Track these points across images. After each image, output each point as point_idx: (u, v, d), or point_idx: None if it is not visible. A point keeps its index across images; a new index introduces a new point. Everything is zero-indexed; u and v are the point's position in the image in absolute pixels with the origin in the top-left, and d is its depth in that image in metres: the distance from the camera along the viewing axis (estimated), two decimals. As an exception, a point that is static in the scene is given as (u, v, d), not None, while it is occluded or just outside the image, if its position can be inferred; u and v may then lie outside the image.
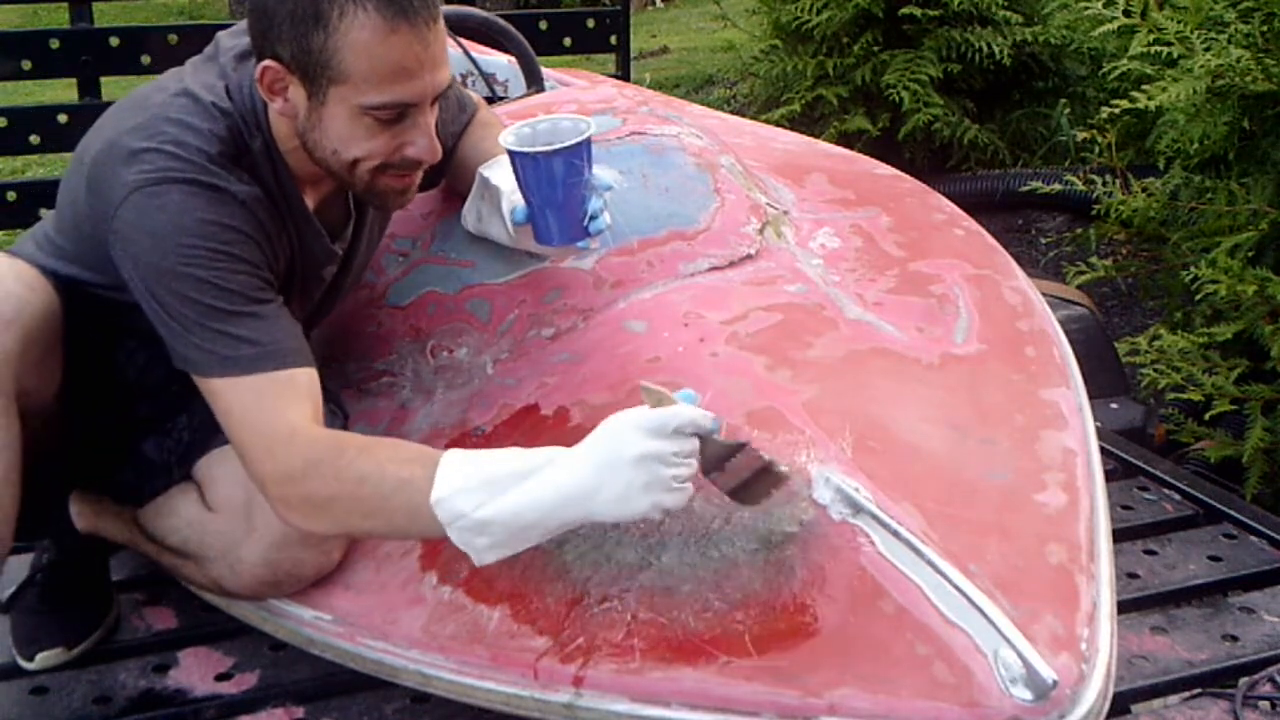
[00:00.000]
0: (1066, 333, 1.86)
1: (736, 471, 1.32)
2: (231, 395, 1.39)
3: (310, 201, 1.55)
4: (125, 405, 1.60)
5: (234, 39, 1.52)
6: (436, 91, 1.43)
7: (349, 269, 1.69)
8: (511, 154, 1.59)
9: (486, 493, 1.28)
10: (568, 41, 3.60)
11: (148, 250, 1.39)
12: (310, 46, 1.37)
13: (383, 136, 1.42)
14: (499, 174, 1.69)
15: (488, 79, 3.15)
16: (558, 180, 1.58)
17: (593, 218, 1.60)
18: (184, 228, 1.38)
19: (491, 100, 2.91)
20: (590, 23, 3.62)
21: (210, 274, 1.39)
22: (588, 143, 1.58)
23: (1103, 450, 1.89)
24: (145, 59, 2.95)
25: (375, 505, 1.33)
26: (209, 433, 1.58)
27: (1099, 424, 1.84)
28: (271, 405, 1.38)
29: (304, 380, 1.41)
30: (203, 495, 1.60)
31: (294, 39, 1.37)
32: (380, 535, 1.47)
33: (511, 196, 1.65)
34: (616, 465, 1.25)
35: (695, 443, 1.27)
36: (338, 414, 1.72)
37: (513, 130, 1.64)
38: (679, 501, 1.27)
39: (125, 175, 1.40)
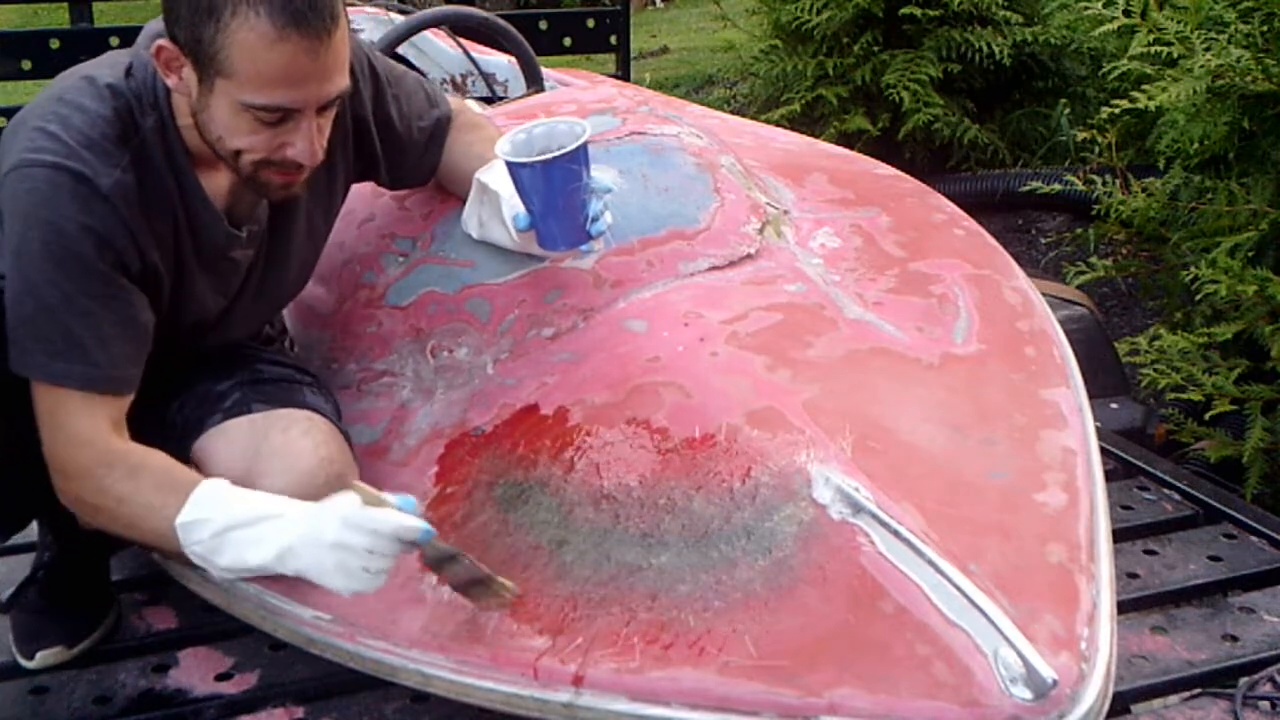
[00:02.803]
0: (1066, 333, 1.86)
1: (454, 577, 1.42)
2: (39, 394, 1.44)
3: (219, 182, 1.54)
4: None
5: (160, 23, 1.52)
6: (322, 101, 1.44)
7: (280, 255, 1.67)
8: (508, 165, 1.60)
9: (219, 528, 1.41)
10: (568, 41, 3.60)
11: (11, 233, 1.42)
12: (201, 36, 1.38)
13: (264, 134, 1.43)
14: (496, 178, 1.69)
15: (488, 79, 3.16)
16: (556, 187, 1.58)
17: (594, 220, 1.61)
18: (40, 219, 1.40)
19: (491, 100, 2.92)
20: (590, 23, 3.63)
21: (55, 274, 1.40)
22: (584, 147, 1.58)
23: (1103, 450, 1.89)
24: (145, 59, 2.95)
25: (131, 523, 1.45)
26: (204, 413, 1.62)
27: (1099, 424, 1.84)
28: (64, 413, 1.44)
29: (105, 401, 1.46)
30: (201, 474, 1.60)
31: (189, 25, 1.39)
32: (146, 545, 1.52)
33: (511, 201, 1.66)
34: (315, 544, 1.37)
35: (392, 545, 1.36)
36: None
37: (508, 138, 1.64)
38: (369, 587, 1.38)
39: (11, 152, 1.43)
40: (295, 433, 1.57)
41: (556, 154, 1.56)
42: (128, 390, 1.48)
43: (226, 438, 1.59)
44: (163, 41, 1.42)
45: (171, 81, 1.45)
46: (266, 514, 1.42)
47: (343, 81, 1.45)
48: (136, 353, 1.49)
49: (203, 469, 1.60)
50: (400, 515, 1.37)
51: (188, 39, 1.39)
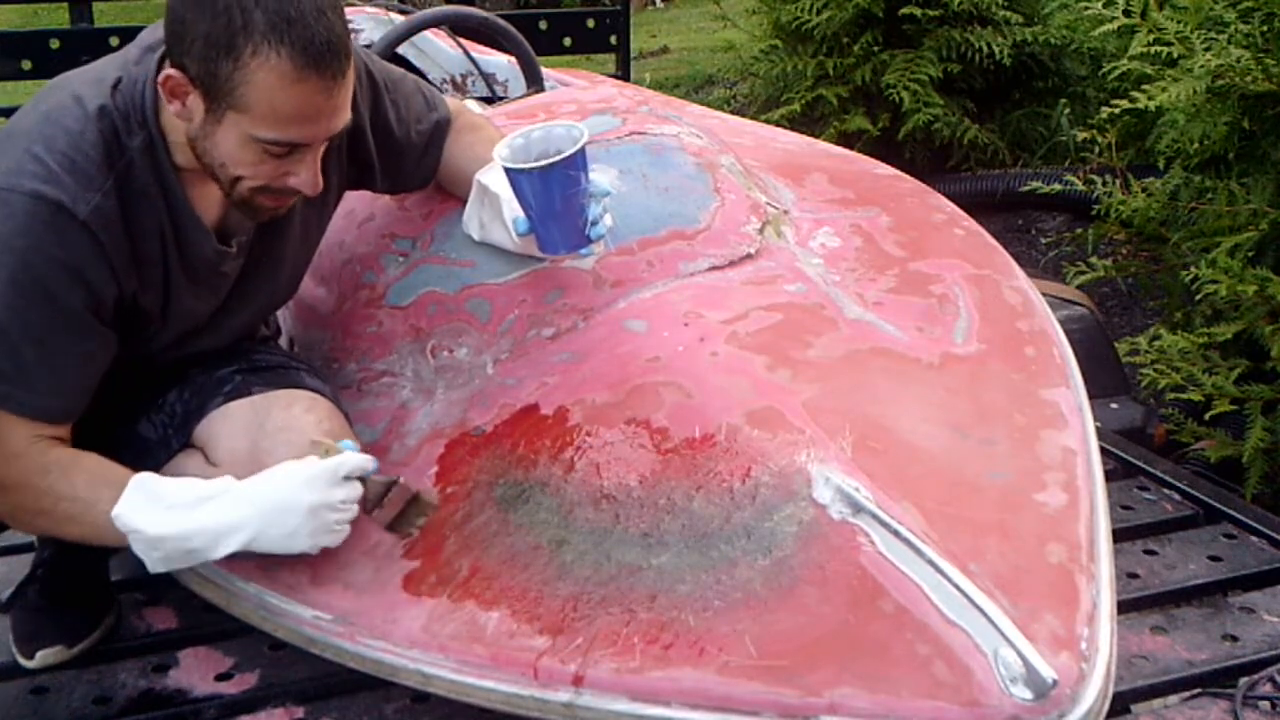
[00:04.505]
0: (1066, 333, 1.86)
1: (392, 505, 1.51)
2: None
3: (209, 197, 1.54)
4: (101, 398, 1.60)
5: (154, 33, 1.51)
6: (330, 135, 1.46)
7: (271, 263, 1.67)
8: (507, 171, 1.60)
9: (160, 514, 1.45)
10: (568, 41, 3.61)
11: None
12: (217, 71, 1.38)
13: (269, 164, 1.45)
14: (497, 180, 1.69)
15: (488, 79, 3.16)
16: (555, 193, 1.59)
17: (593, 224, 1.61)
18: (12, 247, 1.40)
19: (491, 100, 2.92)
20: (590, 23, 3.64)
21: (16, 301, 1.41)
22: (582, 152, 1.58)
23: (1103, 450, 1.89)
24: (145, 59, 2.95)
25: (71, 518, 1.48)
26: (204, 399, 1.62)
27: (1099, 424, 1.84)
28: (4, 431, 1.45)
29: (37, 427, 1.47)
30: (206, 457, 1.61)
31: (204, 59, 1.39)
32: (87, 540, 1.52)
33: (511, 204, 1.66)
34: (289, 511, 1.45)
35: (358, 489, 1.48)
36: None
37: (506, 143, 1.64)
38: (338, 541, 1.49)
39: None
40: (298, 410, 1.59)
41: (554, 160, 1.57)
42: (68, 419, 1.50)
43: (229, 419, 1.60)
44: (171, 71, 1.41)
45: (174, 108, 1.44)
46: (209, 494, 1.46)
47: (349, 114, 1.48)
48: (86, 386, 1.51)
49: (207, 451, 1.62)
50: (351, 454, 1.48)
51: (200, 72, 1.39)
